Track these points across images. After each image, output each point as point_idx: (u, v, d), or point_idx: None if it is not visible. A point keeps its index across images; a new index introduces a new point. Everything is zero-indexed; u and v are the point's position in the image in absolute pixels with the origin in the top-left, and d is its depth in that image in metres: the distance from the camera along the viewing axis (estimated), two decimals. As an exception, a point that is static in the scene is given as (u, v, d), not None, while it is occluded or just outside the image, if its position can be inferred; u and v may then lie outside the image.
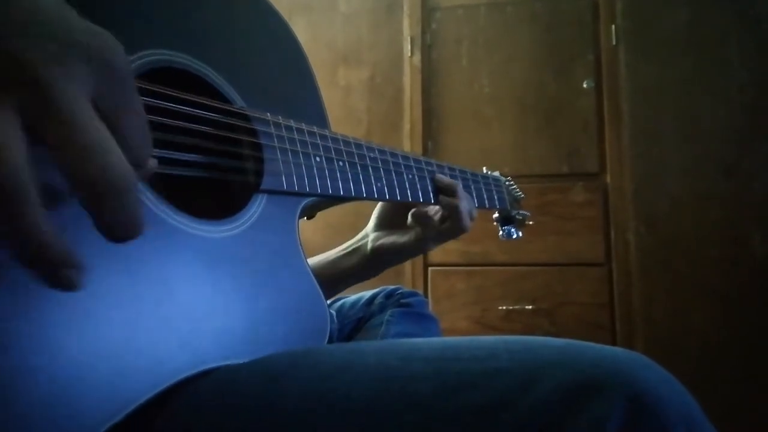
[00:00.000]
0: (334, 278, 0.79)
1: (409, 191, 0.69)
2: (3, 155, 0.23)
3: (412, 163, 0.71)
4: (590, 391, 0.30)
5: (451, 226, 0.76)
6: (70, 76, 0.25)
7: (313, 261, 0.80)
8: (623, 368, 0.31)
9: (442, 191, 0.75)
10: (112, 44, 0.28)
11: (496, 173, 0.94)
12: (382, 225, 0.80)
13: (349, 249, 0.81)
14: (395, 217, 0.80)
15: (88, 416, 0.33)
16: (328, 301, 0.92)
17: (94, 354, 0.34)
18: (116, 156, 0.26)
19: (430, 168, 0.74)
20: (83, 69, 0.26)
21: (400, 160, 0.69)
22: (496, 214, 0.97)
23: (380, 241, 0.78)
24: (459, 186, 0.75)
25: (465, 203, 0.76)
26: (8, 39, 0.25)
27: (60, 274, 0.26)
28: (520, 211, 0.97)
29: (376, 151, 0.66)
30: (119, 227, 0.26)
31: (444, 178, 0.75)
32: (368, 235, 0.80)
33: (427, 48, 2.01)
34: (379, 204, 0.82)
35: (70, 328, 0.34)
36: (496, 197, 0.89)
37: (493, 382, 0.32)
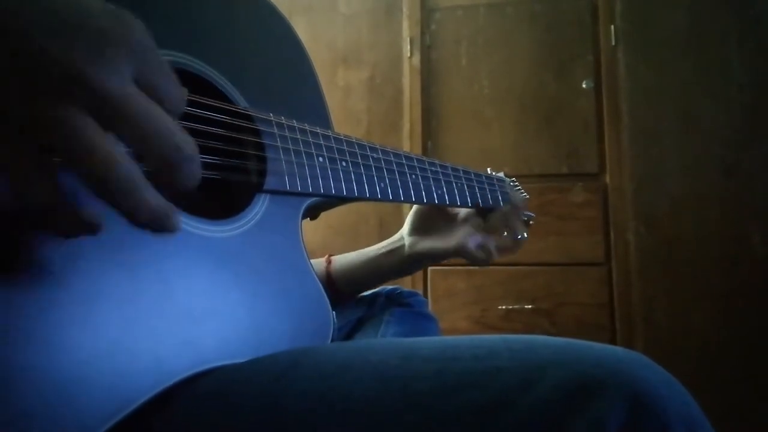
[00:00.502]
0: (374, 275, 0.83)
1: (412, 191, 0.69)
2: (103, 157, 0.26)
3: (416, 164, 0.71)
4: (590, 391, 0.30)
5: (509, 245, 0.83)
6: (113, 66, 0.27)
7: (348, 257, 0.83)
8: (623, 368, 0.31)
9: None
10: (135, 24, 0.29)
11: (501, 174, 0.94)
12: (417, 229, 0.83)
13: (388, 249, 0.83)
14: (429, 220, 0.82)
15: (88, 416, 0.33)
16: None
17: (94, 353, 0.34)
18: (178, 129, 0.29)
19: (433, 168, 0.74)
20: (121, 55, 0.27)
21: (403, 161, 0.69)
22: None
23: (417, 246, 0.81)
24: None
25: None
26: (47, 43, 0.25)
27: (166, 224, 0.30)
28: (525, 212, 0.97)
29: (379, 152, 0.66)
30: (190, 176, 0.30)
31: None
32: (404, 238, 0.83)
33: (426, 48, 2.01)
34: (414, 208, 0.84)
35: (71, 327, 0.34)
36: (500, 198, 0.89)
37: (494, 381, 0.32)
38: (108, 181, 0.26)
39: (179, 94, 0.31)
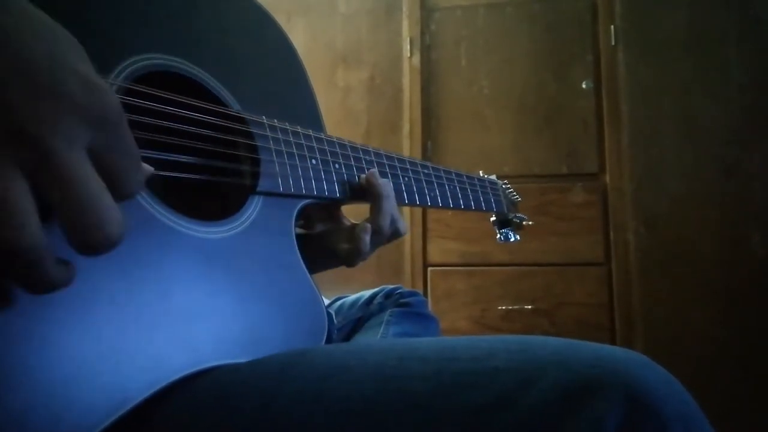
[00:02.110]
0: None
1: (405, 194, 0.70)
2: (12, 210, 0.25)
3: (408, 166, 0.71)
4: (589, 391, 0.30)
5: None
6: (67, 133, 0.27)
7: None
8: (622, 367, 0.31)
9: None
10: (107, 98, 0.29)
11: (493, 176, 0.94)
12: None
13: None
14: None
15: (85, 414, 0.33)
16: (328, 302, 0.92)
17: (90, 353, 0.34)
18: (110, 210, 0.28)
19: (426, 171, 0.74)
20: (78, 123, 0.27)
21: (396, 163, 0.69)
22: (493, 218, 0.97)
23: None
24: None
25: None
26: (7, 93, 0.25)
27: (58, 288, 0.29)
28: (517, 215, 0.98)
29: (372, 154, 0.66)
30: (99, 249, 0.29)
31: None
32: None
33: (426, 49, 2.01)
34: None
35: (67, 327, 0.34)
36: (492, 200, 0.89)
37: (492, 381, 0.32)
38: (12, 246, 0.26)
39: (137, 177, 0.31)
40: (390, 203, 0.63)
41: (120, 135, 0.30)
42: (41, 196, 0.27)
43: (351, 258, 0.62)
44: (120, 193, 0.30)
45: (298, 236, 0.55)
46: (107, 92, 0.29)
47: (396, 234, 0.66)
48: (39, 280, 0.28)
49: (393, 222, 0.64)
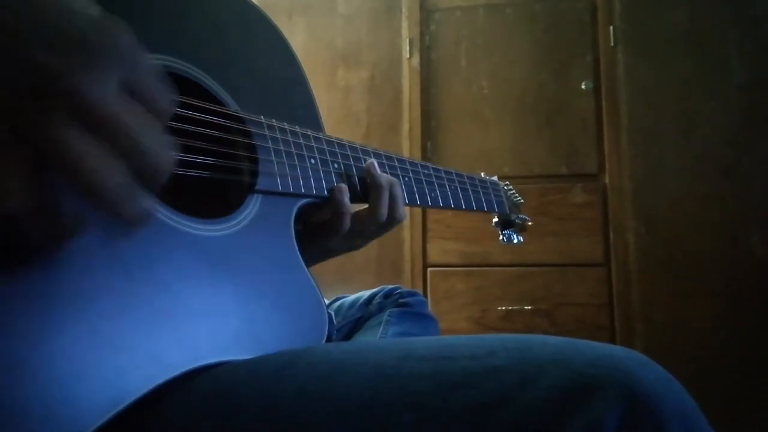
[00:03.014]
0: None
1: (405, 194, 0.70)
2: (80, 156, 0.26)
3: (408, 166, 0.72)
4: (588, 390, 0.30)
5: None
6: (98, 75, 0.27)
7: None
8: (621, 366, 0.31)
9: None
10: (122, 32, 0.29)
11: (494, 178, 0.94)
12: None
13: None
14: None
15: (82, 411, 0.33)
16: (327, 302, 0.92)
17: (88, 349, 0.34)
18: (158, 131, 0.30)
19: (426, 171, 0.74)
20: (107, 64, 0.28)
21: (396, 163, 0.70)
22: (495, 219, 0.97)
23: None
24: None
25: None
26: (33, 49, 0.26)
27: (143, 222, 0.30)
28: (520, 215, 0.98)
29: (372, 154, 0.66)
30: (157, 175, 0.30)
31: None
32: None
33: (426, 49, 2.01)
34: None
35: (65, 323, 0.34)
36: (494, 201, 0.89)
37: (491, 380, 0.32)
38: (92, 189, 0.27)
39: (168, 98, 0.32)
40: (385, 196, 0.63)
41: (148, 68, 0.30)
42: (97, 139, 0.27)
43: (337, 224, 0.60)
44: (162, 116, 0.31)
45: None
46: (122, 29, 0.29)
47: (392, 222, 0.66)
48: (123, 215, 0.28)
49: (392, 211, 0.65)
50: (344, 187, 0.60)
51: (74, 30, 0.27)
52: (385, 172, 0.67)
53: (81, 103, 0.27)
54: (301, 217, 0.57)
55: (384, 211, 0.64)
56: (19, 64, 0.26)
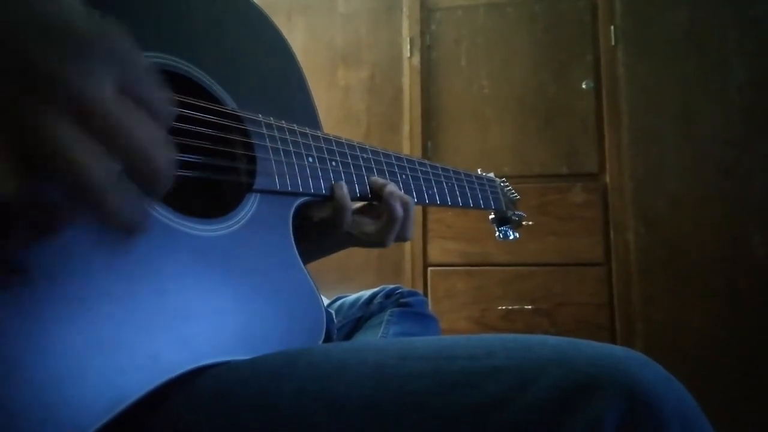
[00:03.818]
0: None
1: (403, 192, 0.69)
2: (66, 149, 0.25)
3: (405, 164, 0.71)
4: (588, 389, 0.30)
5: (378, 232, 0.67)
6: (93, 72, 0.27)
7: None
8: (621, 366, 0.31)
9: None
10: (118, 31, 0.29)
11: (491, 174, 0.94)
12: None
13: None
14: None
15: (82, 412, 0.33)
16: (328, 302, 0.92)
17: (87, 351, 0.34)
18: (154, 132, 0.29)
19: (423, 169, 0.74)
20: (102, 62, 0.28)
21: (393, 161, 0.69)
22: (492, 215, 0.97)
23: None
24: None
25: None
26: (29, 43, 0.25)
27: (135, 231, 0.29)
28: (516, 212, 0.97)
29: (369, 152, 0.66)
30: (156, 190, 0.29)
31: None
32: None
33: (426, 48, 2.01)
34: None
35: (65, 325, 0.34)
36: (491, 198, 0.89)
37: (491, 380, 0.32)
38: (79, 185, 0.26)
39: (163, 98, 0.31)
40: (396, 228, 0.65)
41: (143, 67, 0.30)
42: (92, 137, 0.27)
43: (337, 220, 0.60)
44: (160, 118, 0.30)
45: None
46: (117, 27, 0.29)
47: (399, 241, 0.67)
48: (112, 215, 0.27)
49: (402, 234, 0.66)
50: (344, 184, 0.60)
51: (71, 25, 0.27)
52: (383, 170, 0.67)
53: (75, 98, 0.26)
54: (299, 214, 0.57)
55: (391, 239, 0.65)
56: (13, 58, 0.25)
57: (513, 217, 0.96)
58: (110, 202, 0.27)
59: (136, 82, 0.29)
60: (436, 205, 0.76)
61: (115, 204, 0.27)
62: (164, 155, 0.29)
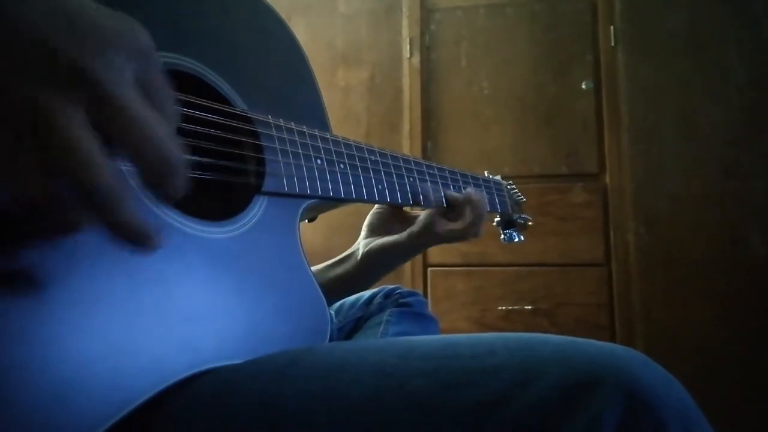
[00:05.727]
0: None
1: (410, 194, 0.69)
2: (78, 147, 0.25)
3: (413, 166, 0.71)
4: (588, 388, 0.30)
5: (464, 230, 0.77)
6: (115, 66, 0.27)
7: None
8: (621, 365, 0.31)
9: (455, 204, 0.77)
10: (139, 28, 0.29)
11: (498, 177, 0.94)
12: (374, 232, 0.79)
13: (337, 260, 0.79)
14: (386, 223, 0.79)
15: (87, 416, 0.33)
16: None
17: (92, 354, 0.34)
18: (171, 140, 0.29)
19: (431, 171, 0.74)
20: (124, 57, 0.28)
21: (401, 163, 0.69)
22: (497, 218, 0.96)
23: (370, 246, 0.76)
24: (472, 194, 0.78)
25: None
26: (53, 35, 0.25)
27: (146, 244, 0.29)
28: (522, 215, 0.97)
29: (377, 154, 0.66)
30: (174, 188, 0.29)
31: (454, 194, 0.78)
32: (359, 243, 0.79)
33: (426, 49, 2.01)
34: (370, 213, 0.81)
35: (69, 328, 0.34)
36: (497, 200, 0.89)
37: (492, 379, 0.32)
38: (89, 185, 0.26)
39: (173, 97, 0.31)
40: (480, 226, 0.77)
41: (159, 67, 0.30)
42: (103, 132, 0.27)
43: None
44: (171, 120, 0.30)
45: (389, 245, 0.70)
46: (138, 24, 0.29)
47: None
48: (118, 223, 0.27)
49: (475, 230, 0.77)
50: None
51: (95, 20, 0.27)
52: (390, 172, 0.67)
53: (95, 90, 0.26)
54: (306, 215, 0.57)
55: (474, 232, 0.77)
56: (36, 52, 0.25)
57: (518, 220, 0.96)
58: (116, 208, 0.27)
59: (153, 83, 0.29)
60: (442, 207, 0.76)
61: (121, 210, 0.27)
62: (179, 154, 0.29)
